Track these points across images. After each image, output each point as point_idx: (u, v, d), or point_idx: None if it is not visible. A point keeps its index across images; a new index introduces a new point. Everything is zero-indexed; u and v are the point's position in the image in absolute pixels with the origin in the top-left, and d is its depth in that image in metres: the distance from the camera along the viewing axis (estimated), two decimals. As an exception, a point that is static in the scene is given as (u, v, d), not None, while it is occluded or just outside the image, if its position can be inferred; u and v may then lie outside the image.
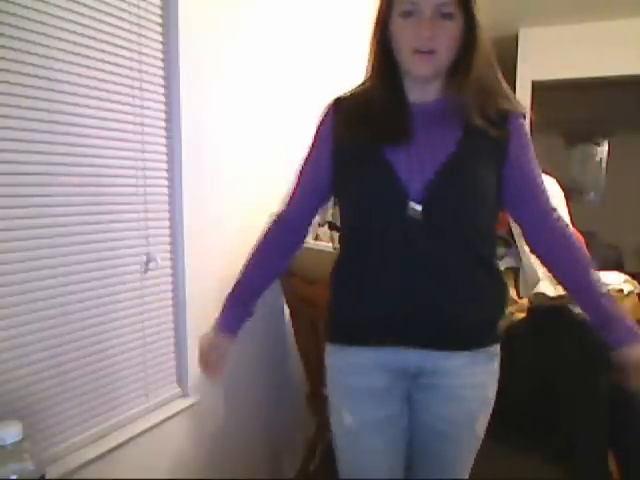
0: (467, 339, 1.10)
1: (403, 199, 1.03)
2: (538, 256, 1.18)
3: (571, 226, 1.17)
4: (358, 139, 1.08)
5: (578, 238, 2.18)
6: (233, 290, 1.24)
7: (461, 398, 1.12)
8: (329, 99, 1.18)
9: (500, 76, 1.10)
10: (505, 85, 1.11)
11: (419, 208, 1.02)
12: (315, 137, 1.18)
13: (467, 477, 1.18)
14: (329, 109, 1.16)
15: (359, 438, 1.14)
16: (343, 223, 1.19)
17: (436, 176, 1.03)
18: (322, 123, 1.17)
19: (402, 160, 1.05)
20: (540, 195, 1.13)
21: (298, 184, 1.23)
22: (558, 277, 1.18)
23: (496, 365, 1.15)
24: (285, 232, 1.25)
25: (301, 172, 1.22)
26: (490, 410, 1.15)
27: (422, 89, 1.09)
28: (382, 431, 1.13)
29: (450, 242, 1.06)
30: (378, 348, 1.10)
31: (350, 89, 1.17)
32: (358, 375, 1.13)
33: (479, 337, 1.11)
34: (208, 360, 1.22)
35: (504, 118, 1.08)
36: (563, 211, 2.11)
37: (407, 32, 1.02)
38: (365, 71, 1.12)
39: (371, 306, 1.09)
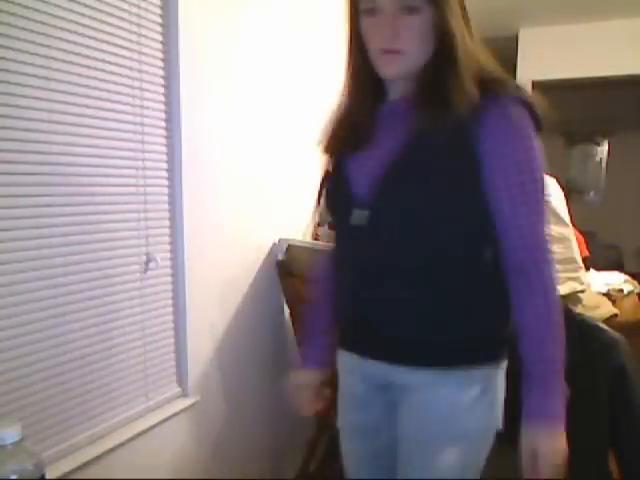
0: (425, 355, 0.97)
1: (349, 205, 1.00)
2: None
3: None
4: (332, 145, 1.08)
5: (578, 238, 2.19)
6: (311, 322, 1.19)
7: (423, 419, 0.99)
8: (330, 99, 1.14)
9: (488, 63, 0.95)
10: (496, 71, 0.95)
11: (365, 214, 0.97)
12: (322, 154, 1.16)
13: None
14: (325, 124, 1.13)
15: (344, 439, 1.16)
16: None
17: (382, 180, 0.96)
18: (321, 138, 1.14)
19: (354, 165, 1.02)
20: (517, 221, 0.93)
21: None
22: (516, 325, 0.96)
23: (475, 393, 0.97)
24: None
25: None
26: (469, 449, 1.00)
27: (398, 87, 1.00)
28: (360, 438, 1.13)
29: (402, 249, 0.95)
30: (354, 355, 1.09)
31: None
32: (345, 379, 1.14)
33: (442, 355, 0.97)
34: (304, 399, 1.18)
35: (474, 115, 0.90)
36: (563, 210, 2.11)
37: (371, 31, 0.95)
38: (345, 72, 1.05)
39: (340, 313, 1.10)
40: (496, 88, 0.93)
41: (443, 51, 0.92)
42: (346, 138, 1.04)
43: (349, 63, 1.03)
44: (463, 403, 0.97)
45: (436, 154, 0.92)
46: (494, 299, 0.98)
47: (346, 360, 1.13)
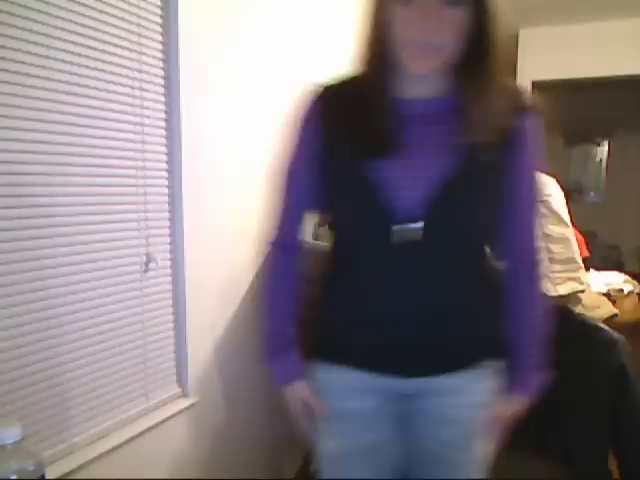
0: (467, 359, 1.00)
1: (390, 218, 0.91)
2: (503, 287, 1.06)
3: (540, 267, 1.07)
4: (345, 144, 0.94)
5: (578, 238, 2.19)
6: (272, 338, 1.09)
7: (459, 419, 1.01)
8: (313, 86, 1.00)
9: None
10: (511, 81, 0.97)
11: (419, 226, 0.90)
12: (299, 135, 1.01)
13: None
14: (315, 100, 0.98)
15: (342, 465, 1.04)
16: (333, 234, 1.06)
17: (438, 192, 0.90)
18: (307, 117, 1.00)
19: (396, 177, 0.91)
20: (528, 226, 1.02)
21: (288, 194, 1.05)
22: (508, 311, 1.05)
23: (498, 382, 1.04)
24: (293, 258, 1.10)
25: (289, 181, 1.04)
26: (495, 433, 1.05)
27: (420, 84, 0.93)
28: (368, 458, 1.03)
29: (448, 263, 0.95)
30: (370, 371, 1.00)
31: (339, 76, 0.99)
32: (346, 398, 1.02)
33: (479, 354, 1.01)
34: (303, 416, 1.07)
35: (514, 118, 0.94)
36: (563, 211, 2.11)
37: (407, 23, 0.85)
38: (354, 62, 0.95)
39: (367, 332, 0.98)
40: (524, 99, 0.97)
41: (479, 49, 0.89)
42: (365, 139, 0.93)
43: (368, 54, 0.93)
44: (494, 392, 1.03)
45: (488, 166, 0.93)
46: (498, 294, 1.05)
47: (347, 378, 1.02)
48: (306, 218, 1.08)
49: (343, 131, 0.95)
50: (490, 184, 0.94)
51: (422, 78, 0.92)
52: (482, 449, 1.03)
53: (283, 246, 1.08)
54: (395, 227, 0.91)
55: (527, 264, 1.04)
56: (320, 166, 0.98)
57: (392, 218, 0.91)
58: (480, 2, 0.86)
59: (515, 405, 1.04)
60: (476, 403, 1.01)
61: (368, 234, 0.95)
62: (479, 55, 0.89)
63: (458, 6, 0.84)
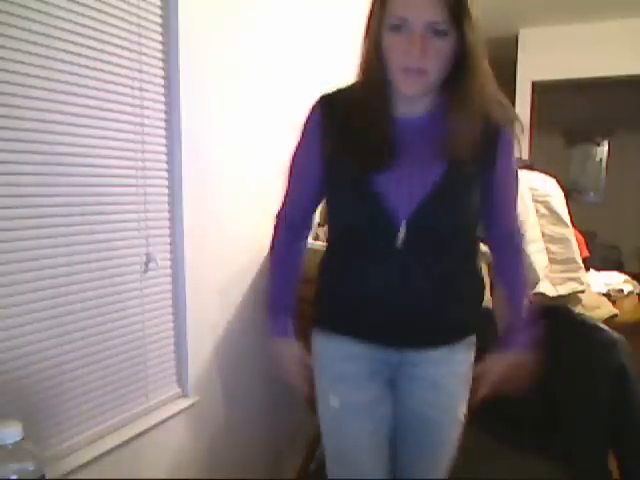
0: (448, 337, 1.17)
1: (392, 228, 1.06)
2: (493, 264, 1.29)
3: (524, 238, 1.28)
4: (345, 157, 1.08)
5: (578, 238, 2.19)
6: (273, 302, 1.28)
7: (443, 385, 1.18)
8: (317, 96, 1.14)
9: (494, 86, 1.07)
10: (499, 94, 1.09)
11: (403, 232, 1.06)
12: (304, 138, 1.17)
13: (449, 463, 1.24)
14: (317, 110, 1.13)
15: (344, 419, 1.18)
16: (331, 227, 1.22)
17: (423, 203, 1.05)
18: (310, 124, 1.15)
19: (390, 188, 1.05)
20: (510, 214, 1.22)
21: (292, 182, 1.23)
22: (500, 283, 1.29)
23: (473, 353, 1.22)
24: (294, 232, 1.27)
25: (293, 170, 1.22)
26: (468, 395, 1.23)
27: (411, 103, 1.07)
28: (365, 413, 1.18)
29: (440, 254, 1.10)
30: (366, 342, 1.16)
31: (340, 87, 1.13)
32: (346, 361, 1.17)
33: (459, 333, 1.19)
34: (296, 372, 1.26)
35: (494, 132, 1.08)
36: (563, 211, 2.11)
37: (396, 49, 0.98)
38: (355, 73, 1.08)
39: (361, 311, 1.14)
40: (508, 113, 1.10)
41: (464, 71, 1.00)
42: (365, 151, 1.06)
43: (367, 75, 1.06)
44: (472, 361, 1.21)
45: (473, 173, 1.08)
46: (480, 282, 1.23)
47: (346, 347, 1.17)
48: (317, 204, 1.25)
49: (345, 145, 1.08)
50: (475, 187, 1.09)
51: (413, 98, 1.05)
52: (461, 410, 1.20)
53: (287, 222, 1.26)
54: (392, 230, 1.06)
55: (511, 241, 1.24)
56: (323, 170, 1.13)
57: (390, 223, 1.06)
58: (462, 33, 0.96)
59: (508, 360, 1.20)
60: (458, 371, 1.19)
61: (369, 235, 1.10)
62: (462, 77, 1.01)
63: (443, 36, 0.96)
